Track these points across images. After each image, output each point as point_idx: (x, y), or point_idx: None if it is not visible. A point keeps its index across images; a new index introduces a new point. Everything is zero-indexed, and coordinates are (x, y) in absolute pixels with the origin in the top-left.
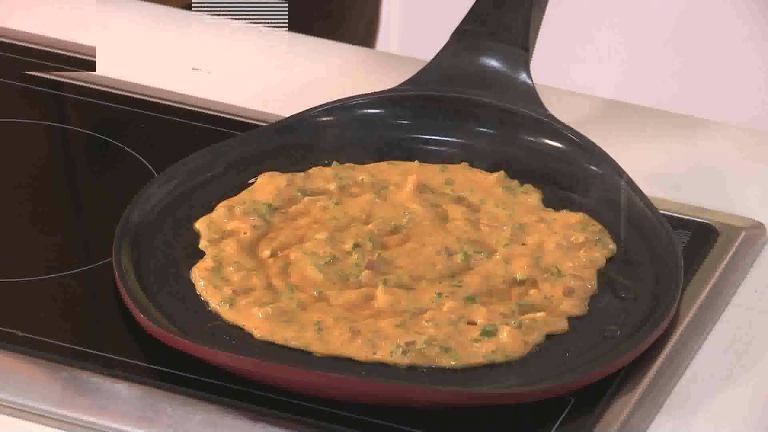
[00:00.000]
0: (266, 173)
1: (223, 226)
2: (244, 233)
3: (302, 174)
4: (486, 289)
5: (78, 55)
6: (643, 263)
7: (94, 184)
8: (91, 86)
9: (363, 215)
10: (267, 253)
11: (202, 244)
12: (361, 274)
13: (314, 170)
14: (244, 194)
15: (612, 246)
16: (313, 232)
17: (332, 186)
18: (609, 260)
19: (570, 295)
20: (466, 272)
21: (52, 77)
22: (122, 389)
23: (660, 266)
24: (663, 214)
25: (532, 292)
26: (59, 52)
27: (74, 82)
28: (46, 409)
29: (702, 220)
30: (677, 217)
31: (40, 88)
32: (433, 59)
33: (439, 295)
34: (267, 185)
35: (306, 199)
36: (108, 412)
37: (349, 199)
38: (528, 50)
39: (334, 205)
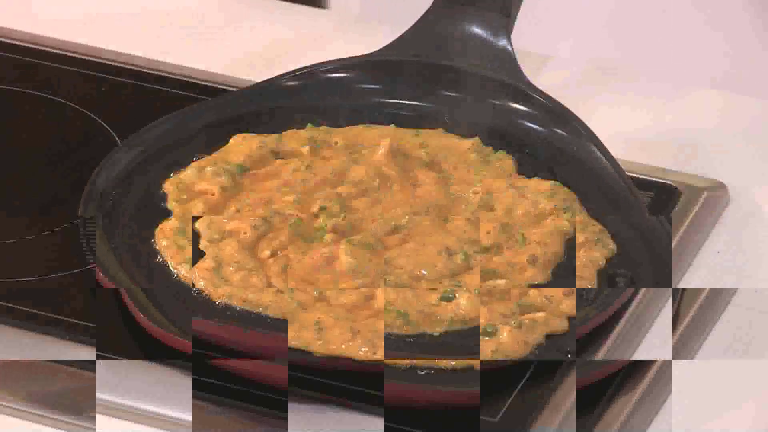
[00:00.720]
0: (239, 135)
1: (191, 187)
2: (245, 233)
3: (275, 136)
4: (486, 289)
5: (78, 55)
6: (642, 263)
7: (63, 150)
8: (59, 52)
9: (334, 177)
10: (267, 253)
11: (170, 204)
12: (325, 236)
13: (288, 132)
14: (215, 155)
15: (612, 246)
16: (281, 194)
17: (305, 149)
18: (609, 260)
19: (570, 295)
20: (467, 272)
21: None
22: (84, 354)
23: (658, 266)
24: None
25: (495, 259)
26: (59, 52)
27: (43, 48)
28: (46, 410)
29: (664, 181)
30: (640, 179)
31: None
32: (413, 25)
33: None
34: (239, 146)
35: (278, 161)
36: (108, 412)
37: (320, 162)
38: (510, 16)
39: (304, 168)
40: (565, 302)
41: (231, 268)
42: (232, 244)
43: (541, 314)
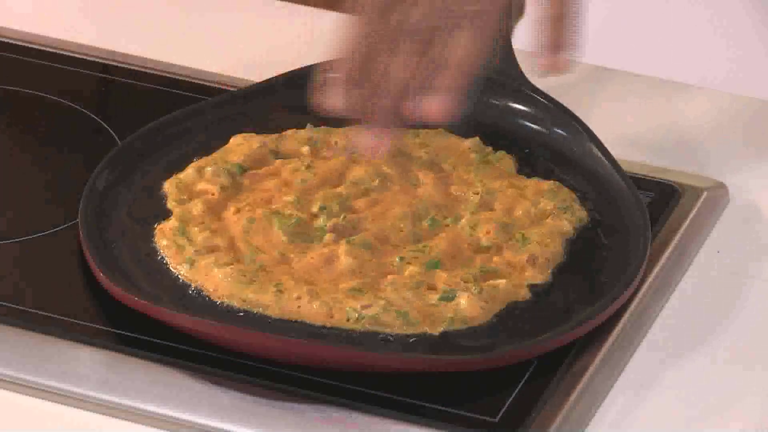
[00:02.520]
0: (239, 135)
1: (191, 187)
2: (212, 194)
3: (275, 135)
4: (450, 254)
5: (78, 55)
6: (612, 234)
7: (63, 150)
8: (59, 52)
9: (334, 178)
10: (232, 210)
11: (170, 204)
12: (325, 236)
13: (288, 132)
14: (215, 155)
15: (581, 215)
16: (281, 194)
17: (305, 149)
18: (578, 229)
19: (533, 263)
20: (432, 237)
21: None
22: (84, 354)
23: (628, 238)
24: (629, 176)
25: (495, 259)
26: (59, 52)
27: (43, 48)
28: (9, 374)
29: (664, 181)
30: (640, 179)
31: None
32: None
33: (402, 259)
34: (239, 146)
35: (278, 161)
36: (70, 377)
37: (320, 162)
38: (510, 16)
39: (304, 168)
40: (529, 270)
41: (196, 228)
42: (198, 205)
43: (502, 281)
